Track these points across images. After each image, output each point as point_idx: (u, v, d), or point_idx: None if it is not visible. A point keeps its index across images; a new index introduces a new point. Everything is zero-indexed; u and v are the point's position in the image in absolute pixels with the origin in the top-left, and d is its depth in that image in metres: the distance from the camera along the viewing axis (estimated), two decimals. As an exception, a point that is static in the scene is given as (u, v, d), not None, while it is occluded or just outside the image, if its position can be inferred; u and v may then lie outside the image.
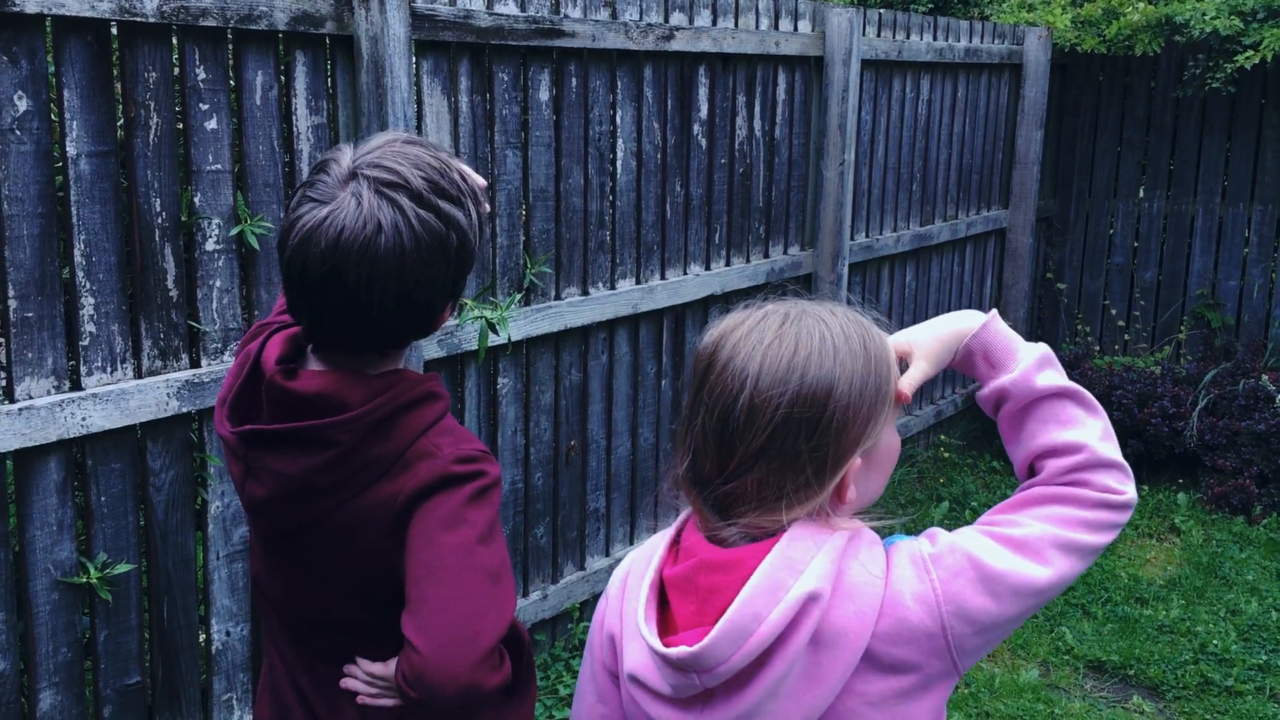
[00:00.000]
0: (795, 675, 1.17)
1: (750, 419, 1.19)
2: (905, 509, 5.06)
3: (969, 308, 6.08)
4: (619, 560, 3.90)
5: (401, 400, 1.47)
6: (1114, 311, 6.61)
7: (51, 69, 2.32)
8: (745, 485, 1.21)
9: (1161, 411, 5.43)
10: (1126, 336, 6.58)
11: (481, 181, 1.52)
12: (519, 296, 3.26)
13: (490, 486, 1.46)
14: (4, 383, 2.27)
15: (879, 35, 4.96)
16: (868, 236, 5.08)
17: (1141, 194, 6.50)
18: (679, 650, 1.16)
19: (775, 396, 1.19)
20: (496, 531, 1.46)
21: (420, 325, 1.49)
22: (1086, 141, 6.61)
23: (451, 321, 3.10)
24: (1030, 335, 6.61)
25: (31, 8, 2.18)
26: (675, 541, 1.28)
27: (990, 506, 5.77)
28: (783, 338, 1.22)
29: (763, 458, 1.19)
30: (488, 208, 1.62)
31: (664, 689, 1.20)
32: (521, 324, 3.34)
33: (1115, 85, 6.50)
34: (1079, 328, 6.68)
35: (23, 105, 2.23)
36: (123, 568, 2.46)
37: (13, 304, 2.26)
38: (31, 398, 2.29)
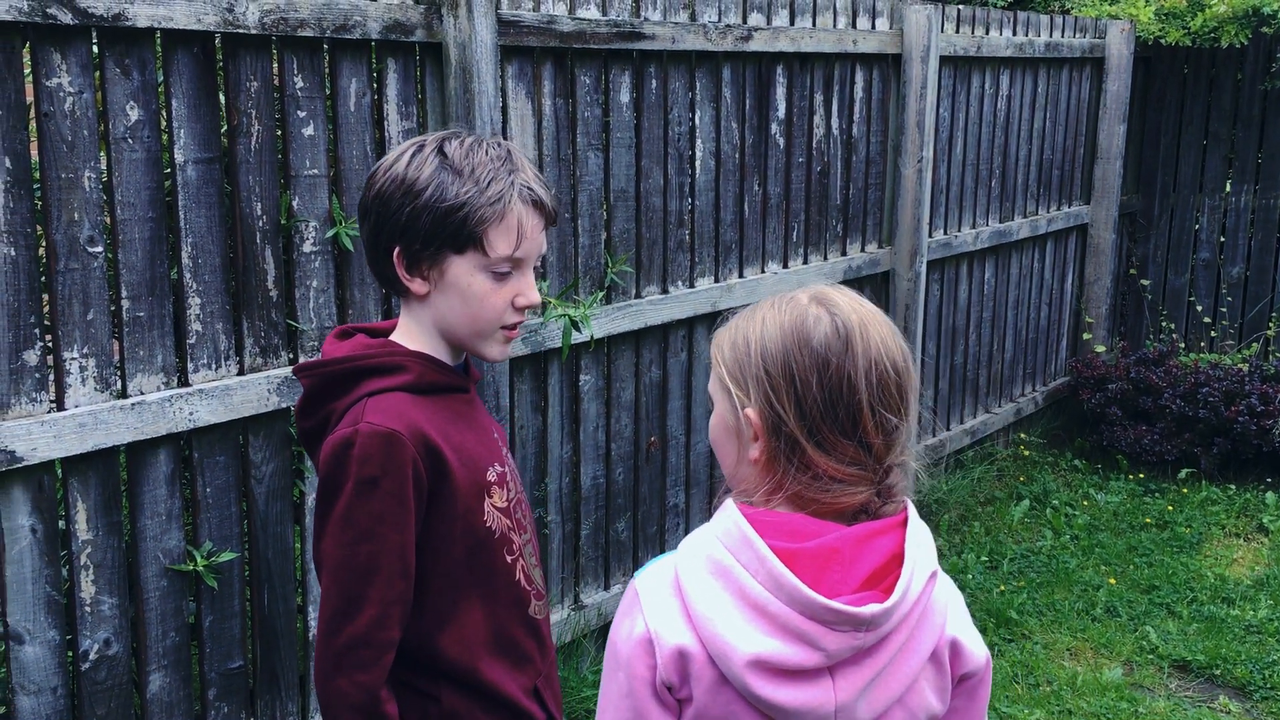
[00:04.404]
0: (917, 635, 1.28)
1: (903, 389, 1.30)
2: (984, 507, 5.03)
3: (1050, 305, 6.03)
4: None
5: (363, 364, 1.56)
6: (1199, 308, 6.50)
7: (160, 79, 2.43)
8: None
9: (1249, 409, 5.33)
10: (1213, 333, 6.47)
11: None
12: (600, 295, 3.33)
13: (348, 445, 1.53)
14: (118, 379, 2.39)
15: (957, 31, 4.95)
16: (946, 234, 5.06)
17: (1228, 188, 6.38)
18: (872, 609, 1.20)
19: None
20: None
21: (375, 258, 1.59)
22: (1171, 136, 6.51)
23: (535, 320, 3.17)
24: (1113, 332, 6.53)
25: (142, 21, 2.29)
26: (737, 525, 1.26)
27: (1071, 505, 5.63)
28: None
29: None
30: (502, 210, 1.57)
31: (809, 660, 1.20)
32: (603, 322, 3.40)
33: (1200, 78, 6.39)
34: (1163, 324, 6.58)
35: (134, 115, 2.34)
36: (226, 556, 2.57)
37: (125, 304, 2.37)
38: (143, 393, 2.41)
